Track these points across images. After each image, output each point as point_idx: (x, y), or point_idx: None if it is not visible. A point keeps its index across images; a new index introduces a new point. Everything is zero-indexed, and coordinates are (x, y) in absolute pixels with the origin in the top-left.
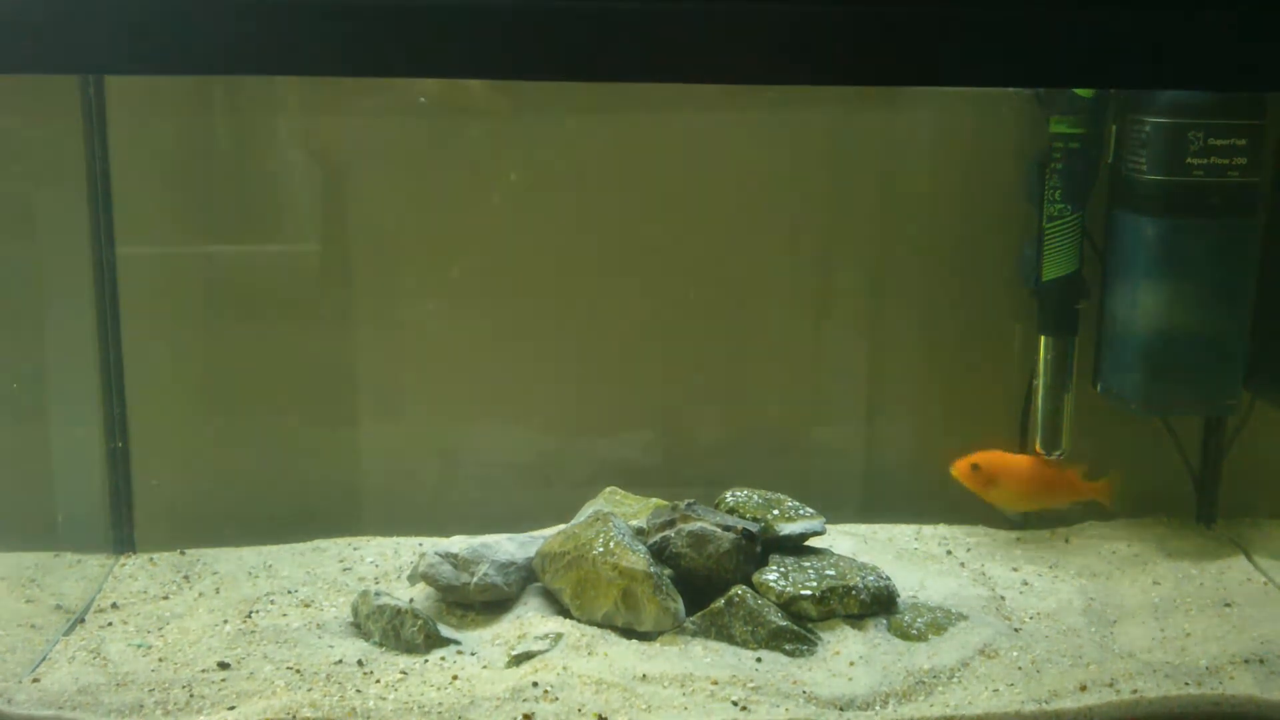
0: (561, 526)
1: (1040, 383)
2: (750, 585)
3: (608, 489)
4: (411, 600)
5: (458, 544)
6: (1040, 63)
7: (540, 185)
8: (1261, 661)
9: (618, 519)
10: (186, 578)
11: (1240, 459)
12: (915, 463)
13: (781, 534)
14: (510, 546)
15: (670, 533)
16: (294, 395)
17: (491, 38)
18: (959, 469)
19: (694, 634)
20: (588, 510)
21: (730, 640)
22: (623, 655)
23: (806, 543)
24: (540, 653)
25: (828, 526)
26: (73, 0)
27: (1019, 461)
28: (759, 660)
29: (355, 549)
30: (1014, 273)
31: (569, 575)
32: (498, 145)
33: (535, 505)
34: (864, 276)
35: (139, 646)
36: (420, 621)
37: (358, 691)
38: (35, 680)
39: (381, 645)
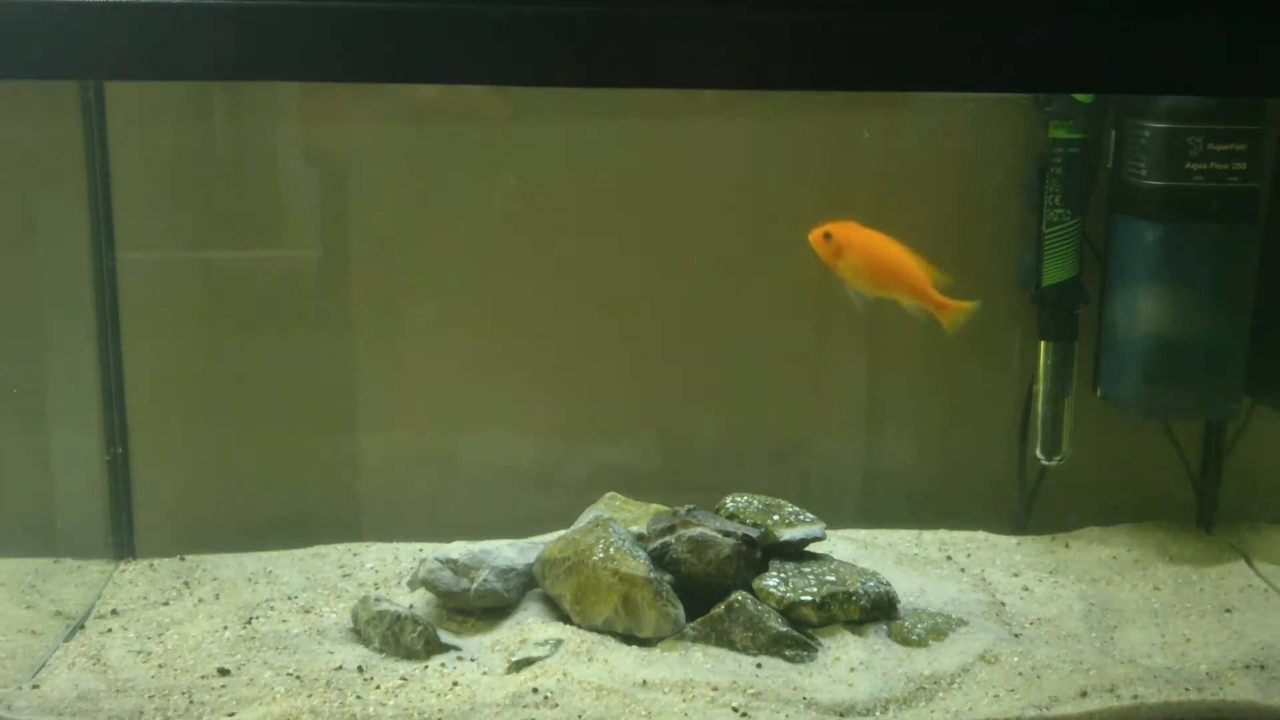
0: (561, 532)
1: (1040, 388)
2: (750, 591)
3: (608, 494)
4: (411, 606)
5: (458, 550)
6: (1039, 67)
7: (540, 190)
8: (1262, 667)
9: (618, 525)
10: (186, 584)
11: (1240, 464)
12: (915, 468)
13: (782, 539)
14: (510, 552)
15: (670, 538)
16: (294, 401)
17: (491, 43)
18: (813, 236)
19: (694, 640)
20: (588, 516)
21: (730, 646)
22: (623, 661)
23: (807, 548)
24: (540, 659)
25: (828, 532)
26: (73, 5)
27: (874, 239)
28: (759, 666)
29: (355, 555)
30: (1014, 278)
31: (569, 581)
32: (497, 150)
33: (535, 511)
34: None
35: (139, 653)
36: (420, 627)
37: (358, 698)
38: (35, 686)
39: (381, 651)
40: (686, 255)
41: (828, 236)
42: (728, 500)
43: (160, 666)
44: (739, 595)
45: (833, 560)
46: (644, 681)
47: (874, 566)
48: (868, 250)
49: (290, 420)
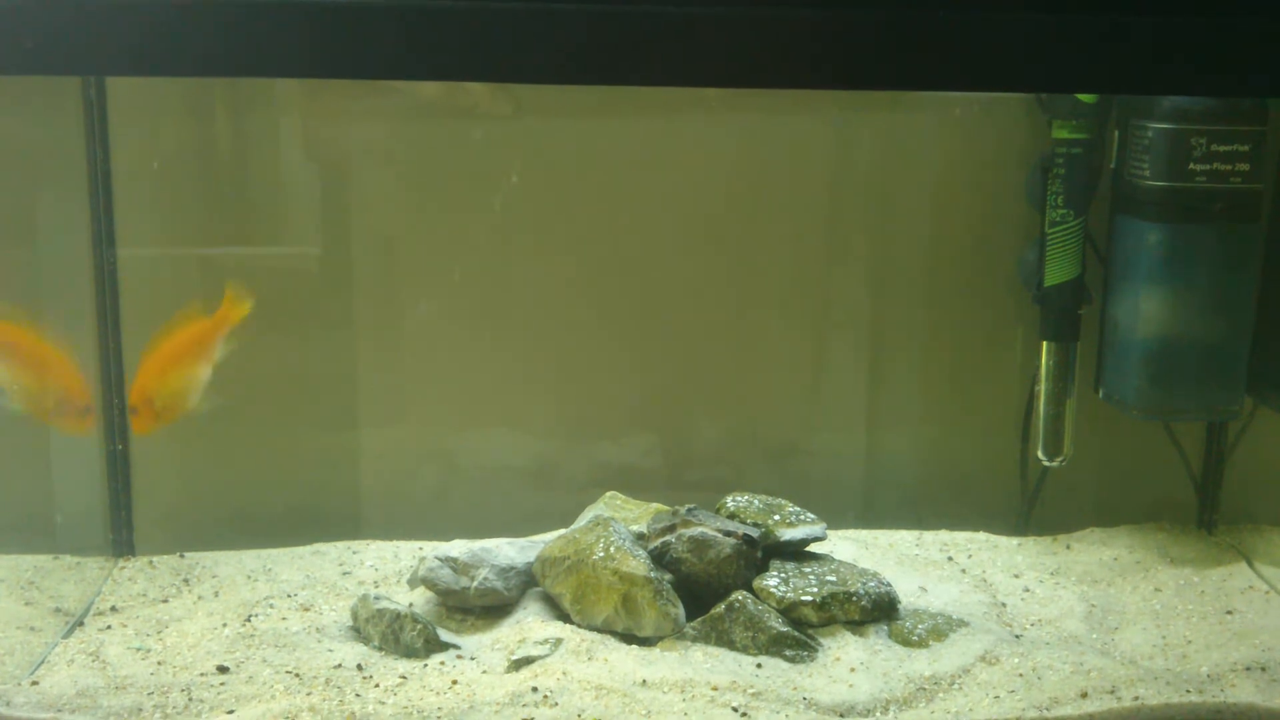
0: (562, 531)
1: (1042, 388)
2: (751, 591)
3: (608, 493)
4: (411, 604)
5: (457, 548)
6: (1040, 67)
7: (542, 189)
8: (1263, 669)
9: (618, 524)
10: (186, 581)
11: (1242, 465)
12: (916, 468)
13: (782, 539)
14: (510, 551)
15: (671, 538)
16: (294, 398)
17: (494, 40)
18: (138, 425)
19: (694, 639)
20: (588, 515)
21: (731, 646)
22: (623, 661)
23: (807, 548)
24: (540, 658)
25: (829, 532)
26: (74, 1)
27: (155, 361)
28: (759, 666)
29: (355, 553)
30: (1016, 278)
31: (569, 580)
32: (499, 148)
33: (535, 509)
34: (866, 281)
35: (138, 649)
36: (420, 626)
37: (357, 696)
38: (34, 683)
39: (381, 649)
40: (688, 256)
41: (134, 411)
42: (728, 500)
43: (159, 664)
44: (739, 595)
45: (833, 560)
46: (644, 681)
47: (875, 567)
48: (159, 373)
49: (290, 417)
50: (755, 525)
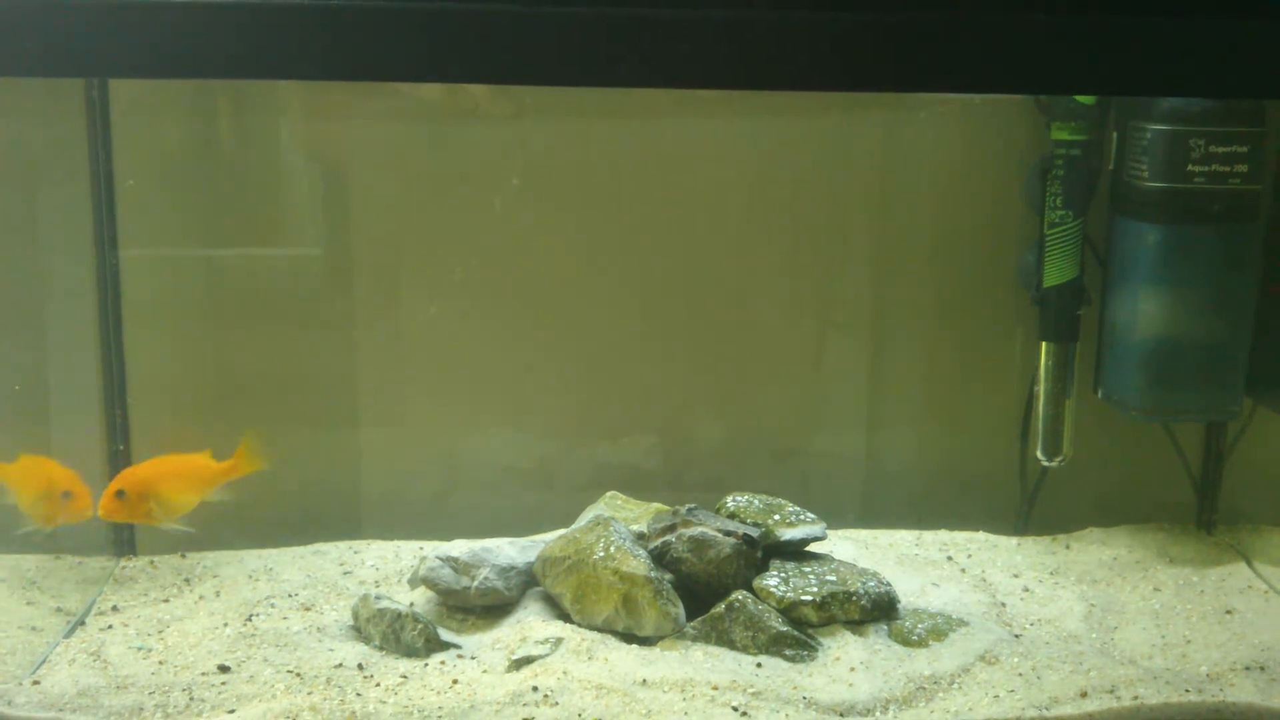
0: (562, 531)
1: (1041, 389)
2: (751, 590)
3: (609, 493)
4: (412, 604)
5: (458, 548)
6: (1039, 68)
7: (542, 190)
8: (1262, 669)
9: (618, 523)
10: (187, 580)
11: (1241, 465)
12: (916, 468)
13: (782, 539)
14: (511, 551)
15: (671, 537)
16: (295, 398)
17: (495, 41)
18: (106, 508)
19: (694, 639)
20: (588, 515)
21: (731, 646)
22: (623, 660)
23: (807, 548)
24: (540, 657)
25: (828, 532)
26: (77, 3)
27: (156, 468)
28: (759, 666)
29: (356, 552)
30: (1015, 279)
31: (569, 580)
32: (499, 149)
33: (536, 509)
34: (865, 282)
35: (139, 649)
36: (420, 625)
37: (358, 695)
38: (35, 682)
39: (382, 649)
40: (687, 257)
41: (121, 494)
42: (728, 499)
43: (160, 663)
44: (739, 594)
45: (833, 560)
46: (644, 680)
47: (874, 566)
48: (161, 477)
49: (292, 418)
50: (755, 525)
